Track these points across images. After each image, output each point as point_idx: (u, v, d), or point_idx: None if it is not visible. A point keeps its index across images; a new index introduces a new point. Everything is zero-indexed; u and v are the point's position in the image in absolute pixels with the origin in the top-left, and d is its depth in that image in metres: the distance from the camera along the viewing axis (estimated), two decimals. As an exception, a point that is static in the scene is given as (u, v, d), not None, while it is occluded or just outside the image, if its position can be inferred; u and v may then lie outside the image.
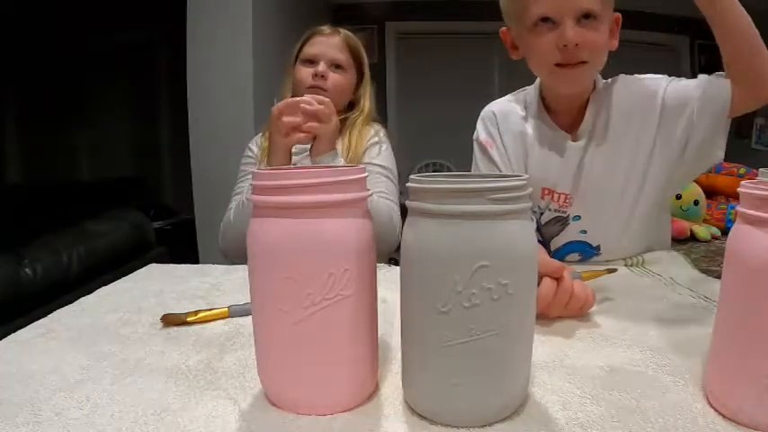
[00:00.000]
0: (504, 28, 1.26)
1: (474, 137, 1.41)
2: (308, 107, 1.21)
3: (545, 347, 0.77)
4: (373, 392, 0.64)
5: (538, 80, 1.33)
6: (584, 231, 1.29)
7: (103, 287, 1.13)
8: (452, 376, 0.55)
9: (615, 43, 1.20)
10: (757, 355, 0.53)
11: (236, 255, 1.42)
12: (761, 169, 0.60)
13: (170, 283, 1.15)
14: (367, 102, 1.66)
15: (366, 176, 0.61)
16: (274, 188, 0.56)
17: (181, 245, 3.10)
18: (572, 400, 0.61)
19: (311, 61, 1.56)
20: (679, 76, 1.23)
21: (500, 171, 1.31)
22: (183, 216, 3.97)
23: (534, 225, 1.29)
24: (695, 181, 2.30)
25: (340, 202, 0.57)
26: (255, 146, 1.63)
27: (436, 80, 5.52)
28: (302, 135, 1.23)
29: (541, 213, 1.31)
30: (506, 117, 1.36)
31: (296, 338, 0.57)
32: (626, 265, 1.23)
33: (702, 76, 1.17)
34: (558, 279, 0.86)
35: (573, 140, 1.24)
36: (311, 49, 1.57)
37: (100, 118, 5.00)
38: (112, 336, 0.85)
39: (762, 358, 0.52)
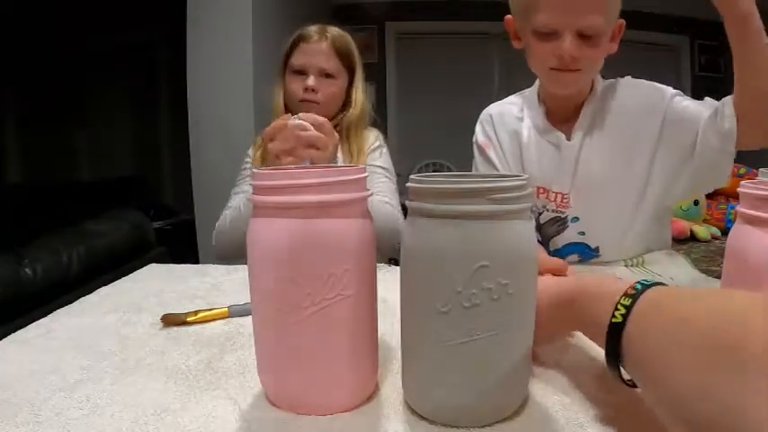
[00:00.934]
0: (509, 16, 1.26)
1: (473, 140, 1.42)
2: (303, 134, 1.11)
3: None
4: (373, 392, 0.64)
5: (537, 81, 1.34)
6: (583, 233, 1.29)
7: (103, 287, 1.13)
8: (452, 376, 0.55)
9: (615, 47, 1.20)
10: (757, 355, 0.53)
11: (231, 256, 1.41)
12: (761, 169, 0.60)
13: (170, 283, 1.15)
14: (360, 97, 1.61)
15: (366, 176, 0.61)
16: (275, 188, 0.56)
17: (181, 245, 3.10)
18: (572, 401, 0.61)
19: (300, 72, 1.53)
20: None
21: (498, 171, 1.32)
22: (182, 216, 3.97)
23: (534, 225, 1.29)
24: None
25: (340, 202, 0.57)
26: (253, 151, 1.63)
27: (436, 80, 5.51)
28: (293, 159, 1.12)
29: (540, 213, 1.31)
30: (502, 117, 1.38)
31: (296, 339, 0.57)
32: (626, 266, 1.23)
33: (709, 100, 1.16)
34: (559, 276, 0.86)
35: (568, 139, 1.25)
36: (299, 59, 1.53)
37: (100, 118, 5.00)
38: (112, 336, 0.85)
39: (762, 358, 0.52)
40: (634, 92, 1.25)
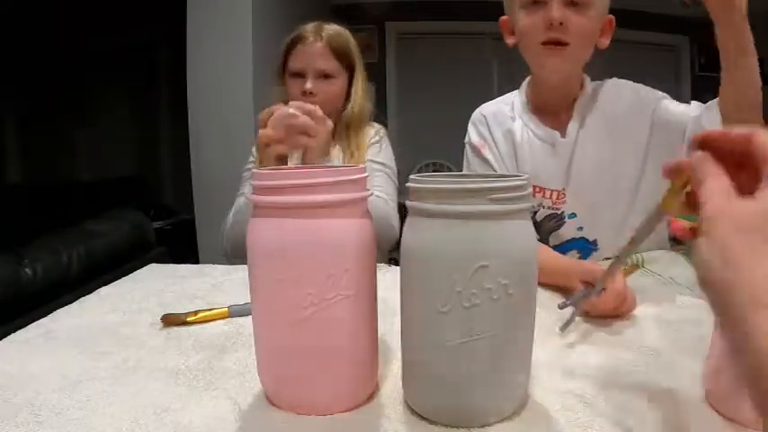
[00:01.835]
0: (504, 17, 1.27)
1: (465, 140, 1.42)
2: (294, 121, 1.09)
3: (545, 347, 0.77)
4: (373, 392, 0.64)
5: (524, 82, 1.36)
6: (581, 228, 1.29)
7: (103, 287, 1.13)
8: (452, 376, 0.55)
9: (606, 42, 1.22)
10: (757, 355, 0.53)
11: (238, 255, 1.41)
12: (761, 169, 0.60)
13: (170, 284, 1.15)
14: (360, 93, 1.60)
15: (366, 176, 0.61)
16: (274, 188, 0.56)
17: (181, 245, 3.09)
18: (572, 400, 0.61)
19: (298, 74, 1.51)
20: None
21: (495, 170, 1.33)
22: (182, 216, 3.96)
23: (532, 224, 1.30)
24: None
25: (340, 202, 0.57)
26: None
27: (436, 80, 5.51)
28: (284, 147, 1.11)
29: (535, 212, 1.31)
30: (495, 117, 1.38)
31: (296, 339, 0.57)
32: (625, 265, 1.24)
33: (695, 103, 1.17)
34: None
35: (563, 137, 1.26)
36: (296, 62, 1.51)
37: (100, 118, 5.00)
38: (112, 336, 0.85)
39: (762, 358, 0.52)
40: (622, 91, 1.27)
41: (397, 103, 5.60)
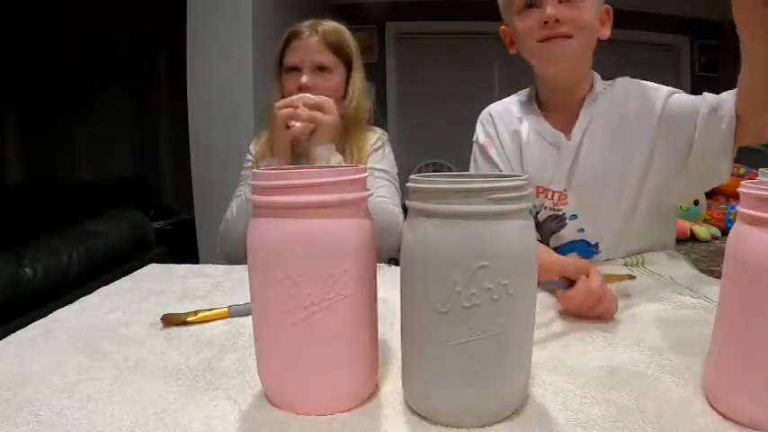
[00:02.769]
0: (504, 27, 1.28)
1: (473, 139, 1.43)
2: (308, 100, 1.28)
3: (545, 347, 0.77)
4: (373, 392, 0.64)
5: (533, 84, 1.36)
6: (582, 230, 1.29)
7: (103, 287, 1.13)
8: (452, 376, 0.55)
9: (607, 32, 1.23)
10: (757, 355, 0.53)
11: (236, 257, 1.41)
12: (761, 169, 0.60)
13: (170, 284, 1.15)
14: (357, 89, 1.58)
15: (366, 176, 0.61)
16: (274, 188, 0.56)
17: (181, 245, 3.09)
18: (572, 401, 0.61)
19: (294, 69, 1.51)
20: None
21: (500, 170, 1.33)
22: (182, 216, 3.96)
23: (533, 225, 1.30)
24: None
25: (340, 202, 0.57)
26: (255, 148, 1.62)
27: (436, 80, 5.51)
28: (301, 125, 1.28)
29: (537, 212, 1.31)
30: (502, 117, 1.39)
31: (296, 339, 0.57)
32: (626, 266, 1.24)
33: (707, 94, 1.16)
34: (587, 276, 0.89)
35: (568, 139, 1.25)
36: (291, 57, 1.51)
37: (100, 118, 5.00)
38: (112, 336, 0.85)
39: (761, 358, 0.52)
40: (632, 91, 1.26)
41: (397, 103, 5.60)
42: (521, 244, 0.54)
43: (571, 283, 0.89)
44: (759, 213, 0.52)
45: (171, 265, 1.34)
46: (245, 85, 3.10)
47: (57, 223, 2.17)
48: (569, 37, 1.16)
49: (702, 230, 2.20)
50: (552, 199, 1.28)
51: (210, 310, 0.92)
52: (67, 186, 4.41)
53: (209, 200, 3.08)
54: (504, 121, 1.37)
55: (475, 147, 1.43)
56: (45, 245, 1.93)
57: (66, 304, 1.02)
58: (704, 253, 1.90)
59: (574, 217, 1.28)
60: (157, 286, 1.13)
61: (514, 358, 0.57)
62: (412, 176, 0.56)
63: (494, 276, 0.52)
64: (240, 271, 1.25)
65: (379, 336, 0.65)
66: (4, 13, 3.85)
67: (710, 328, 0.61)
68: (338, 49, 1.53)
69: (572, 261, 0.95)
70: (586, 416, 0.58)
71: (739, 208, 0.55)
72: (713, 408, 0.58)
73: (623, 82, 1.29)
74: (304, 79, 1.47)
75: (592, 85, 1.27)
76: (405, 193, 0.59)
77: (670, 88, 1.23)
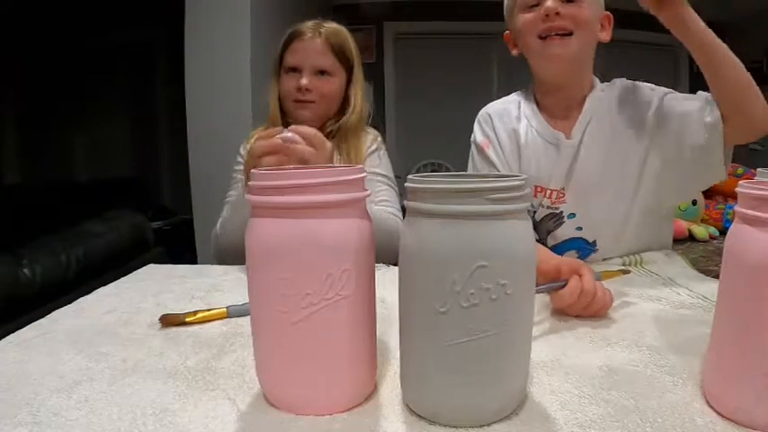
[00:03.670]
0: (507, 32, 1.31)
1: (471, 139, 1.43)
2: (293, 147, 1.03)
3: (543, 347, 0.77)
4: (372, 393, 0.64)
5: (532, 84, 1.38)
6: (580, 228, 1.30)
7: (102, 288, 1.13)
8: (451, 376, 0.55)
9: (607, 37, 1.24)
10: (756, 355, 0.53)
11: (231, 261, 1.40)
12: (759, 169, 0.60)
13: (169, 284, 1.15)
14: (359, 100, 1.56)
15: (364, 176, 0.61)
16: (273, 189, 0.56)
17: (179, 245, 3.10)
18: (570, 400, 0.61)
19: (294, 70, 1.49)
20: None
21: (498, 170, 1.33)
22: (181, 216, 3.96)
23: (531, 224, 1.30)
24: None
25: (338, 202, 0.57)
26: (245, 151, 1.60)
27: (434, 80, 5.51)
28: (275, 159, 1.04)
29: (535, 211, 1.32)
30: (501, 117, 1.39)
31: (295, 339, 0.57)
32: (624, 265, 1.24)
33: (701, 93, 1.18)
34: (579, 276, 0.89)
35: (568, 138, 1.26)
36: (292, 57, 1.49)
37: (98, 119, 5.00)
38: (111, 336, 0.85)
39: (760, 358, 0.52)
40: (630, 91, 1.28)
41: (396, 104, 5.60)
42: (519, 244, 0.54)
43: (565, 283, 0.89)
44: (757, 213, 0.52)
45: (169, 265, 1.34)
46: (244, 85, 3.10)
47: (55, 224, 2.18)
48: (569, 34, 1.17)
49: (700, 230, 2.19)
50: (550, 197, 1.28)
51: (209, 310, 0.92)
52: (66, 187, 4.40)
53: (207, 200, 3.07)
54: (503, 120, 1.38)
55: (473, 147, 1.43)
56: (44, 245, 1.93)
57: (65, 305, 1.01)
58: (702, 253, 1.90)
59: (572, 215, 1.29)
60: (156, 287, 1.13)
61: (513, 358, 0.57)
62: (410, 177, 0.56)
63: (492, 276, 0.52)
64: (238, 271, 1.25)
65: (377, 336, 0.65)
66: (1, 13, 3.85)
67: (709, 327, 0.61)
68: (340, 53, 1.52)
69: (566, 260, 0.96)
70: (585, 415, 0.58)
71: (737, 208, 0.55)
72: (712, 407, 0.58)
73: (621, 82, 1.31)
74: (304, 81, 1.46)
75: (592, 86, 1.28)
76: (403, 193, 0.59)
77: (666, 89, 1.25)
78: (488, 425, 0.56)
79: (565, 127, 1.28)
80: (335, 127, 1.52)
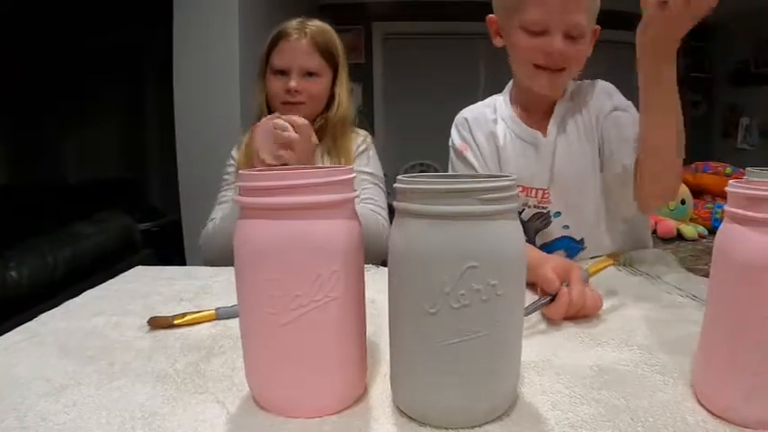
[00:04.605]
0: (491, 15, 1.28)
1: (450, 144, 1.44)
2: (280, 133, 1.24)
3: (534, 348, 0.77)
4: (362, 395, 0.64)
5: (508, 84, 1.40)
6: (567, 226, 1.31)
7: (90, 290, 1.12)
8: (441, 377, 0.55)
9: (590, 50, 1.25)
10: (745, 354, 0.53)
11: (222, 263, 1.39)
12: (747, 168, 0.60)
13: (157, 286, 1.15)
14: (344, 97, 1.57)
15: (353, 177, 0.61)
16: (262, 189, 0.56)
17: (167, 247, 3.08)
18: (562, 401, 0.61)
19: (281, 72, 1.49)
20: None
21: (477, 171, 1.34)
22: (169, 218, 3.95)
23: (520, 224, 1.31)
24: (682, 180, 2.31)
25: (328, 203, 0.56)
26: (237, 152, 1.60)
27: (423, 81, 5.51)
28: (270, 156, 1.26)
29: (521, 211, 1.32)
30: (477, 120, 1.40)
31: (284, 341, 0.57)
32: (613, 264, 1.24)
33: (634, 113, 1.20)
34: (569, 280, 0.90)
35: (545, 136, 1.28)
36: (279, 59, 1.49)
37: (86, 120, 4.97)
38: (99, 339, 0.84)
39: (750, 356, 0.53)
40: (593, 94, 1.30)
41: (384, 104, 5.60)
42: (509, 244, 0.54)
43: (552, 297, 0.89)
44: (746, 212, 0.52)
45: (158, 267, 1.33)
46: (232, 86, 3.10)
47: (42, 226, 2.16)
48: (561, 69, 1.19)
49: (689, 229, 2.21)
50: (536, 197, 1.29)
51: (198, 312, 0.92)
52: (53, 188, 4.37)
53: (195, 202, 3.06)
54: (479, 123, 1.39)
55: (451, 151, 1.44)
56: (31, 247, 1.92)
57: (52, 307, 1.00)
58: (691, 252, 1.91)
59: (557, 214, 1.30)
60: (144, 288, 1.13)
61: (504, 359, 0.57)
62: (399, 177, 0.56)
63: (482, 277, 0.52)
64: (227, 273, 1.24)
65: (367, 337, 0.65)
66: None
67: (699, 326, 0.61)
68: (326, 52, 1.52)
69: (556, 263, 0.96)
70: (576, 415, 0.58)
71: (727, 207, 0.56)
72: (702, 406, 0.58)
73: (590, 83, 1.34)
74: (293, 84, 1.47)
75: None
76: (392, 194, 0.59)
77: (624, 102, 1.27)
78: (479, 426, 0.56)
79: (541, 126, 1.30)
80: (322, 121, 1.54)
